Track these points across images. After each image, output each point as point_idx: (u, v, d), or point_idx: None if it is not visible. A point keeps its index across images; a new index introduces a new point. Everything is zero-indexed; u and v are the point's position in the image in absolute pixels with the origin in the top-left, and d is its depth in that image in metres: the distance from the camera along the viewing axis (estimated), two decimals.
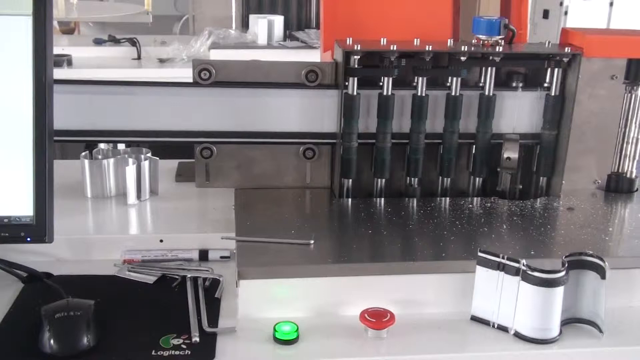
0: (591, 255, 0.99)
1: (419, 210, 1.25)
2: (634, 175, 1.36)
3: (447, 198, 1.32)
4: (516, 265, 0.97)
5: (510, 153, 1.31)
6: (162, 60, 3.02)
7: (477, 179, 1.34)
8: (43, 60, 0.97)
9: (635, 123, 1.33)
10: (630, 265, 1.07)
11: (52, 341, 0.91)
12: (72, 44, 3.32)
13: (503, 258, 0.98)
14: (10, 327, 0.97)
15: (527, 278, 0.96)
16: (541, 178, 1.35)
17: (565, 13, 8.74)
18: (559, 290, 0.96)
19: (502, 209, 1.27)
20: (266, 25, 3.15)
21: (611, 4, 8.65)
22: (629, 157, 1.35)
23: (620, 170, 1.36)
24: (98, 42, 3.26)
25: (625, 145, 1.35)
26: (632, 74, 1.30)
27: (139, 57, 3.10)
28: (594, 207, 1.28)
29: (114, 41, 3.24)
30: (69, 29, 4.95)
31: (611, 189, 1.36)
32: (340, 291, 1.02)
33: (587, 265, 0.99)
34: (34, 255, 1.14)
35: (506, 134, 1.32)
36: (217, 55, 2.98)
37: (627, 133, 1.34)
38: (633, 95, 1.32)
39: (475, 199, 1.31)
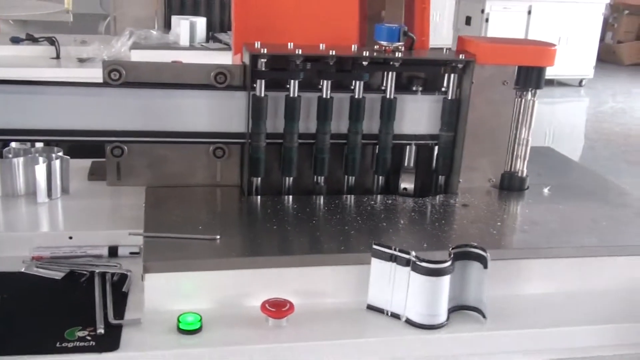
0: (475, 247, 1.07)
1: (324, 207, 1.32)
2: (524, 175, 1.46)
3: (352, 196, 1.38)
4: (407, 256, 1.04)
5: (407, 184, 1.42)
6: (81, 60, 2.99)
7: (380, 177, 1.41)
8: None
9: (525, 126, 1.43)
10: (514, 256, 1.16)
11: None
12: None
13: (395, 250, 1.05)
14: None
15: (416, 268, 1.04)
16: (440, 177, 1.43)
17: (487, 20, 9.01)
18: (446, 279, 1.04)
19: (402, 205, 1.34)
20: (188, 27, 3.17)
21: (529, 13, 8.97)
22: (521, 158, 1.45)
23: (512, 170, 1.46)
24: (15, 40, 3.20)
25: (516, 146, 1.45)
26: (522, 80, 1.40)
27: (57, 57, 3.06)
28: (486, 203, 1.37)
29: (32, 40, 3.19)
30: None
31: (505, 187, 1.46)
32: (243, 283, 1.07)
33: (471, 256, 1.07)
34: None
35: (403, 167, 1.42)
36: (138, 55, 2.97)
37: (518, 135, 1.44)
38: (523, 100, 1.42)
39: (378, 196, 1.39)
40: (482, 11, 8.55)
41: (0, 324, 0.96)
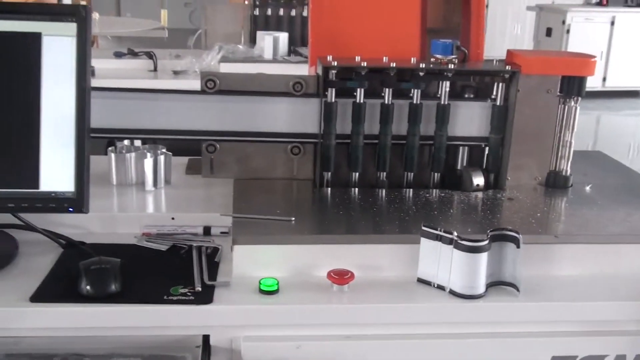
0: (510, 230, 1.25)
1: (385, 198, 1.52)
2: (568, 173, 1.62)
3: (411, 189, 1.58)
4: (450, 236, 1.24)
5: (479, 180, 1.58)
6: (176, 72, 3.31)
7: (436, 174, 1.60)
8: (83, 71, 1.25)
9: (568, 130, 1.59)
10: (547, 242, 1.33)
11: (88, 287, 1.18)
12: (95, 57, 3.60)
13: (440, 231, 1.25)
14: (55, 278, 1.25)
15: (458, 246, 1.23)
16: (490, 174, 1.61)
17: (568, 32, 8.94)
18: (483, 256, 1.23)
19: (454, 198, 1.53)
20: (272, 41, 3.44)
21: (612, 24, 8.87)
22: (564, 158, 1.61)
23: (557, 169, 1.62)
24: (118, 55, 3.56)
25: (560, 148, 1.61)
26: (565, 89, 1.56)
27: (155, 69, 3.39)
28: (530, 198, 1.54)
29: (133, 54, 3.54)
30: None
31: (550, 184, 1.62)
32: (312, 256, 1.28)
33: (507, 238, 1.25)
34: (71, 228, 1.41)
35: (471, 167, 1.59)
36: (226, 68, 3.26)
37: (561, 138, 1.60)
38: (566, 107, 1.58)
39: (434, 190, 1.58)
40: (563, 22, 8.53)
41: (122, 281, 1.21)
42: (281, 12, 3.78)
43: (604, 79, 8.56)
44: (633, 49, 8.50)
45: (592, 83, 8.61)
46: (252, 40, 3.75)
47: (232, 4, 4.00)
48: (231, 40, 3.72)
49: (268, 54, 3.46)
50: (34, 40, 1.24)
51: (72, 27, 1.25)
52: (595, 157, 1.91)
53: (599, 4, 8.84)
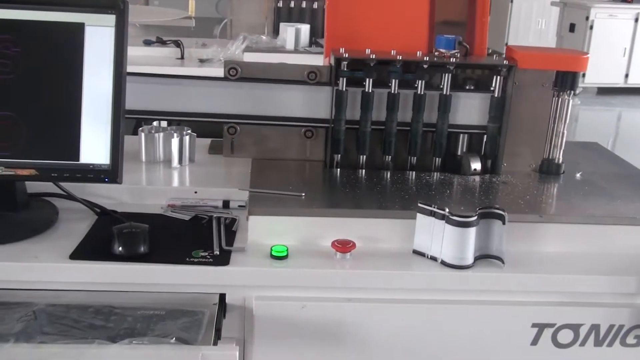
0: (497, 208, 1.39)
1: (389, 179, 1.67)
2: (560, 161, 1.75)
3: (413, 172, 1.72)
4: (442, 212, 1.38)
5: (476, 165, 1.71)
6: (202, 60, 3.47)
7: (437, 158, 1.74)
8: (121, 58, 1.41)
9: (561, 121, 1.72)
10: (531, 220, 1.46)
11: (120, 247, 1.35)
12: None
13: (434, 207, 1.39)
14: (91, 240, 1.41)
15: (449, 221, 1.37)
16: (488, 160, 1.74)
17: (591, 27, 8.95)
18: (472, 231, 1.37)
19: (452, 180, 1.67)
20: (294, 33, 3.58)
21: (636, 20, 8.85)
22: (557, 147, 1.74)
23: (550, 157, 1.75)
24: (147, 42, 3.73)
25: (554, 137, 1.74)
26: (559, 83, 1.69)
27: (182, 57, 3.56)
28: (523, 182, 1.67)
29: (161, 42, 3.71)
30: None
31: (543, 171, 1.75)
32: (319, 227, 1.43)
33: (494, 215, 1.39)
34: (105, 199, 1.57)
35: (470, 153, 1.72)
36: (250, 57, 3.42)
37: (554, 128, 1.73)
38: (560, 99, 1.71)
39: (435, 173, 1.72)
40: (587, 18, 8.56)
41: (150, 244, 1.37)
42: (304, 4, 3.92)
43: (627, 76, 8.58)
44: None
45: (614, 79, 8.69)
46: (275, 31, 3.90)
47: None
48: (255, 30, 3.87)
49: (290, 45, 3.60)
50: (78, 29, 1.40)
51: (111, 18, 1.41)
52: (591, 148, 2.04)
53: (624, 0, 8.84)
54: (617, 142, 7.18)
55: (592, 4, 8.58)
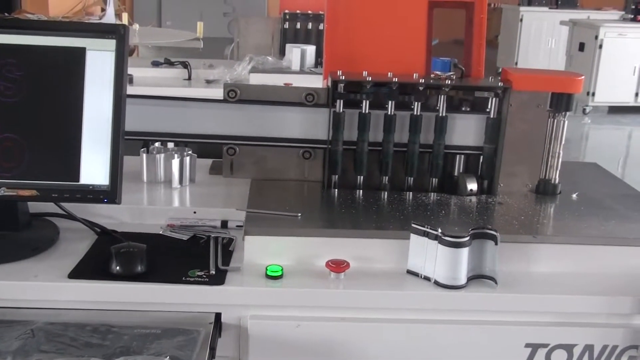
0: (489, 229, 1.40)
1: (386, 200, 1.69)
2: (557, 182, 1.76)
3: (411, 192, 1.74)
4: (435, 232, 1.39)
5: (473, 186, 1.73)
6: (208, 81, 3.52)
7: (434, 179, 1.76)
8: (120, 81, 1.44)
9: (557, 141, 1.74)
10: (525, 241, 1.47)
11: (118, 267, 1.37)
12: (133, 65, 3.84)
13: (427, 228, 1.41)
14: (90, 259, 1.44)
15: (442, 241, 1.39)
16: (484, 181, 1.76)
17: (600, 47, 8.98)
18: (464, 251, 1.38)
19: (449, 201, 1.69)
20: (299, 54, 3.62)
21: None
22: (553, 167, 1.76)
23: (547, 177, 1.76)
24: (155, 64, 3.79)
25: (550, 158, 1.75)
26: (554, 104, 1.71)
27: (189, 78, 3.61)
28: (518, 203, 1.69)
29: (169, 64, 3.76)
30: (129, 51, 5.52)
31: (540, 191, 1.76)
32: (314, 248, 1.45)
33: (486, 235, 1.41)
34: (105, 219, 1.60)
35: (467, 174, 1.74)
36: (255, 78, 3.46)
37: (551, 149, 1.74)
38: (555, 120, 1.72)
39: (431, 194, 1.74)
40: (596, 37, 8.57)
41: (148, 264, 1.39)
42: (310, 25, 3.96)
43: (637, 94, 8.57)
44: None
45: (625, 98, 8.67)
46: (282, 52, 3.94)
47: (263, 17, 4.21)
48: (262, 51, 3.92)
49: (295, 66, 3.64)
50: (80, 53, 1.44)
51: (112, 43, 1.45)
52: (589, 168, 2.05)
53: (633, 19, 8.85)
54: (627, 161, 7.16)
55: (601, 23, 8.60)
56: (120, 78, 1.44)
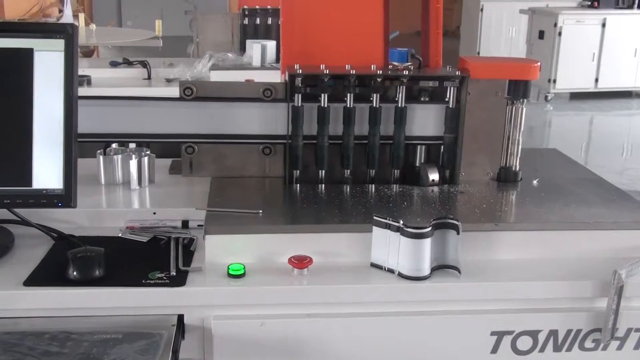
0: (451, 218, 1.40)
1: (349, 193, 1.67)
2: (517, 169, 1.77)
3: (373, 185, 1.73)
4: (397, 224, 1.39)
5: (434, 176, 1.72)
6: (169, 80, 3.47)
7: (396, 170, 1.75)
8: (71, 82, 1.41)
9: (516, 128, 1.74)
10: (486, 229, 1.48)
11: (75, 272, 1.34)
12: (91, 66, 3.78)
13: (389, 220, 1.40)
14: (47, 266, 1.40)
15: (404, 233, 1.38)
16: (446, 170, 1.76)
17: (559, 34, 9.10)
18: (427, 242, 1.37)
19: (411, 192, 1.69)
20: (260, 49, 3.60)
21: (603, 25, 9.01)
22: (514, 155, 1.76)
23: (507, 165, 1.77)
24: (114, 64, 3.73)
25: (510, 145, 1.76)
26: (512, 91, 1.71)
27: (149, 77, 3.55)
28: (480, 191, 1.69)
29: (128, 63, 3.70)
30: (89, 52, 5.44)
31: (501, 179, 1.77)
32: (276, 244, 1.43)
33: (448, 225, 1.40)
34: (63, 223, 1.56)
35: (428, 164, 1.74)
36: (216, 75, 3.42)
37: (510, 136, 1.75)
38: (514, 107, 1.73)
39: (394, 185, 1.73)
40: (555, 25, 8.67)
41: (106, 268, 1.36)
42: (269, 21, 3.94)
43: (596, 80, 8.70)
44: (624, 50, 8.64)
45: (585, 84, 8.80)
46: (242, 49, 3.91)
47: (222, 14, 4.17)
48: (222, 48, 3.88)
49: (256, 62, 3.61)
50: (27, 55, 1.40)
51: (60, 43, 1.41)
52: (549, 155, 2.06)
53: (591, 6, 8.98)
54: (590, 146, 7.27)
55: (559, 10, 8.71)
56: (71, 78, 1.41)
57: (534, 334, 1.43)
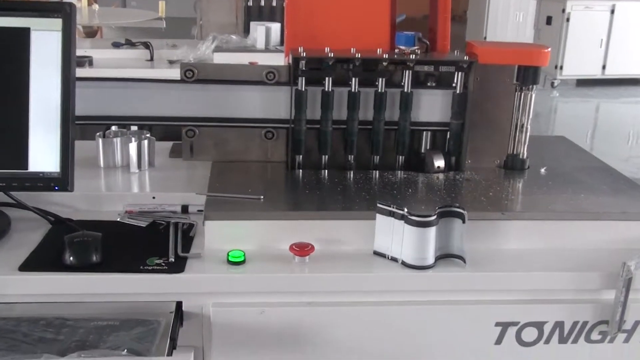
0: (457, 207, 1.37)
1: (352, 179, 1.64)
2: (525, 156, 1.73)
3: (377, 171, 1.70)
4: (401, 212, 1.35)
5: (440, 163, 1.69)
6: (171, 62, 3.43)
7: (401, 157, 1.72)
8: (68, 62, 1.37)
9: (525, 115, 1.70)
10: (493, 218, 1.44)
11: (71, 257, 1.31)
12: (93, 47, 3.74)
13: (393, 207, 1.37)
14: (43, 250, 1.37)
15: (408, 221, 1.35)
16: (451, 157, 1.72)
17: (567, 20, 9.01)
18: (431, 230, 1.34)
19: (415, 179, 1.65)
20: (264, 32, 3.55)
21: (612, 12, 8.92)
22: (521, 142, 1.72)
23: (515, 152, 1.73)
24: (116, 45, 3.69)
25: (517, 133, 1.72)
26: (521, 77, 1.67)
27: (151, 59, 3.51)
28: (486, 179, 1.65)
29: (130, 44, 3.66)
30: (92, 32, 5.39)
31: (508, 167, 1.73)
32: (277, 231, 1.40)
33: (454, 214, 1.37)
34: (60, 207, 1.53)
35: (433, 151, 1.70)
36: (220, 57, 3.38)
37: (518, 123, 1.71)
38: (522, 94, 1.69)
39: (398, 172, 1.70)
40: (563, 11, 8.58)
41: (103, 253, 1.33)
42: (274, 2, 3.89)
43: (604, 67, 8.63)
44: (632, 38, 8.56)
45: (592, 71, 8.73)
46: (246, 31, 3.86)
47: None
48: (226, 30, 3.83)
49: (260, 44, 3.57)
50: (23, 34, 1.36)
51: (57, 22, 1.37)
52: (557, 142, 2.02)
53: None
54: (595, 133, 7.22)
55: None
56: (68, 59, 1.37)
57: (539, 325, 1.40)
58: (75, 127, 1.41)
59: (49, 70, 1.37)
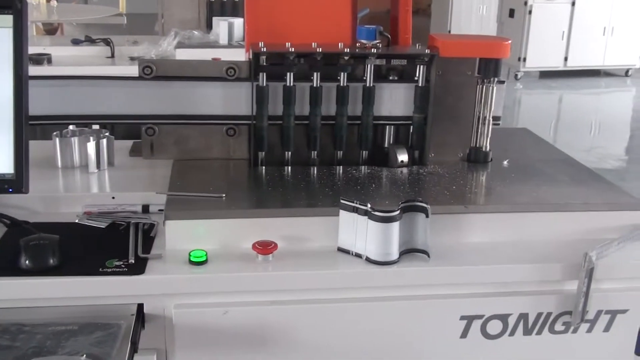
0: (420, 201, 1.36)
1: (316, 175, 1.63)
2: (488, 149, 1.73)
3: (341, 166, 1.69)
4: (364, 207, 1.34)
5: (403, 157, 1.68)
6: (132, 59, 3.37)
7: (364, 152, 1.71)
8: (20, 60, 1.33)
9: (487, 108, 1.70)
10: (455, 212, 1.44)
11: (27, 261, 1.27)
12: (53, 44, 3.66)
13: (356, 203, 1.35)
14: None
15: (372, 217, 1.34)
16: (415, 151, 1.72)
17: (530, 12, 9.10)
18: (395, 225, 1.33)
19: (379, 174, 1.64)
20: (227, 27, 3.51)
21: (573, 4, 9.03)
22: (484, 135, 1.72)
23: (477, 145, 1.73)
24: (76, 42, 3.61)
25: (480, 125, 1.72)
26: (483, 70, 1.67)
27: (112, 56, 3.45)
28: (450, 172, 1.65)
29: (90, 41, 3.59)
30: (52, 29, 5.29)
31: (471, 159, 1.73)
32: (239, 229, 1.38)
33: (417, 208, 1.36)
34: (17, 209, 1.49)
35: (397, 145, 1.69)
36: (182, 53, 3.33)
37: (481, 116, 1.71)
38: (484, 87, 1.69)
39: (362, 167, 1.69)
40: (525, 3, 8.67)
41: (61, 256, 1.30)
42: None
43: (566, 59, 8.75)
44: (593, 29, 8.69)
45: (554, 63, 8.83)
46: (209, 26, 3.82)
47: None
48: (188, 25, 3.78)
49: (223, 40, 3.53)
50: None
51: (8, 19, 1.33)
52: (519, 134, 2.03)
53: None
54: (559, 124, 7.32)
55: None
56: (20, 57, 1.33)
57: (504, 318, 1.40)
58: (29, 127, 1.37)
59: (1, 68, 1.32)
